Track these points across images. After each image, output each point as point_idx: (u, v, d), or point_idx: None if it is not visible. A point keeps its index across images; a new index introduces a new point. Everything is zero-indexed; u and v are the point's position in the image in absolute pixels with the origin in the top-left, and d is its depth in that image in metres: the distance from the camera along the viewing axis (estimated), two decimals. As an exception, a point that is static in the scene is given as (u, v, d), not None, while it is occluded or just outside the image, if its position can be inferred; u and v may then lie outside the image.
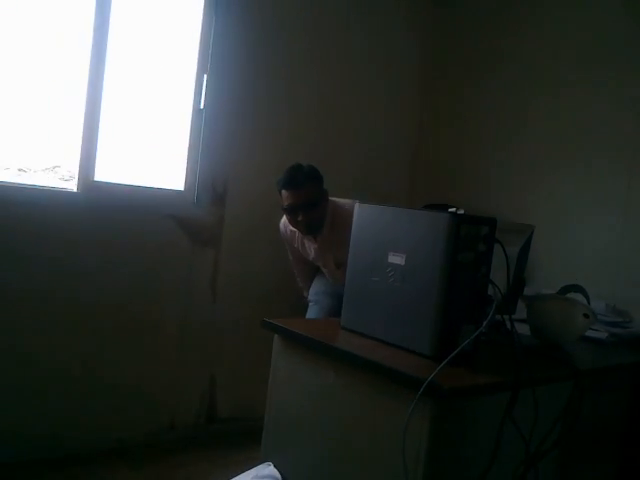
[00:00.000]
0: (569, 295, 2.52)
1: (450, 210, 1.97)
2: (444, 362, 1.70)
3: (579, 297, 2.53)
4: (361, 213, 2.12)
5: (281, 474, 1.25)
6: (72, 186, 2.91)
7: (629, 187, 3.09)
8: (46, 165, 2.93)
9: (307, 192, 2.75)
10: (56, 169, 2.95)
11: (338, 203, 2.95)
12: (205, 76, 3.17)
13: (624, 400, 2.51)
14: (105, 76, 2.90)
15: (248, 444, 3.04)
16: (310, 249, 3.06)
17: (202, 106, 3.18)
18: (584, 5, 3.31)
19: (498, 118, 3.66)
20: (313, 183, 2.80)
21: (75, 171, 2.91)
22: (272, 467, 1.26)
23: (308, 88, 3.56)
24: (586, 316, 2.26)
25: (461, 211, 2.05)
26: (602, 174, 3.19)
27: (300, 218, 2.77)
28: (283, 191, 2.80)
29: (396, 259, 1.95)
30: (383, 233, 2.02)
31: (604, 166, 3.18)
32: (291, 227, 3.01)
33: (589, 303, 2.53)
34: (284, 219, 3.06)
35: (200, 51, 3.17)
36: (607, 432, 2.45)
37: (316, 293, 3.19)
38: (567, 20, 3.38)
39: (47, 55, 2.83)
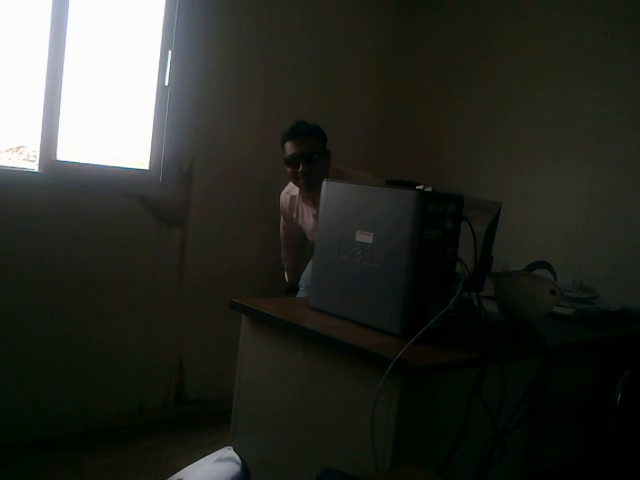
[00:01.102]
0: (536, 272, 2.54)
1: (417, 187, 1.96)
2: (412, 340, 1.69)
3: (546, 274, 2.55)
4: (329, 191, 2.09)
5: (241, 458, 1.24)
6: (35, 166, 2.83)
7: (595, 166, 3.12)
8: (10, 145, 2.85)
9: (309, 143, 2.79)
10: (20, 149, 2.87)
11: (342, 169, 2.94)
12: (170, 52, 3.09)
13: (590, 376, 2.54)
14: (66, 52, 2.81)
15: (217, 425, 3.03)
16: (309, 217, 3.02)
17: (167, 83, 3.10)
18: (558, 19, 3.32)
19: (471, 95, 3.66)
20: (315, 137, 2.84)
21: (39, 151, 2.83)
22: (232, 451, 1.25)
23: (277, 64, 3.50)
24: (553, 292, 2.28)
25: (428, 188, 2.04)
26: (570, 155, 3.22)
27: (300, 169, 2.77)
28: (287, 143, 2.83)
29: (364, 237, 1.94)
30: (351, 211, 2.00)
31: (572, 148, 3.21)
32: (293, 193, 3.03)
33: (556, 280, 2.55)
34: (286, 189, 3.09)
35: (164, 26, 3.08)
36: (574, 407, 2.48)
37: (309, 278, 3.12)
38: (544, 20, 3.38)
39: (6, 33, 2.73)
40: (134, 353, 3.16)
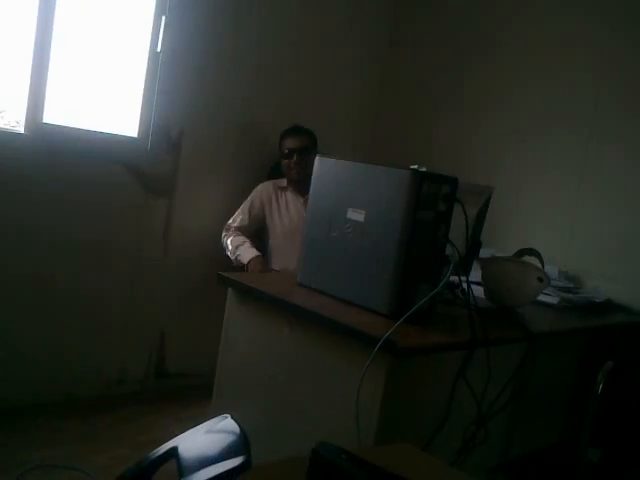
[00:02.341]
0: (524, 258, 2.53)
1: (412, 167, 1.94)
2: (400, 320, 1.68)
3: (534, 261, 2.55)
4: (321, 167, 2.07)
5: (240, 426, 1.23)
6: (19, 129, 2.76)
7: (586, 158, 3.11)
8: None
9: (304, 140, 3.22)
10: (1, 114, 2.80)
11: None
12: (163, 17, 3.01)
13: (573, 365, 2.56)
14: (56, 14, 2.72)
15: (198, 399, 3.00)
16: (295, 205, 3.22)
17: (159, 49, 3.03)
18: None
19: (462, 81, 3.63)
20: (310, 137, 3.26)
21: (22, 117, 2.75)
22: (229, 419, 1.22)
23: (272, 35, 3.43)
24: (540, 280, 2.28)
25: (423, 169, 2.02)
26: (561, 144, 3.20)
27: (295, 159, 3.18)
28: (286, 138, 3.24)
29: (355, 215, 1.92)
30: (343, 188, 1.98)
31: (563, 137, 3.20)
32: (281, 184, 3.26)
33: (543, 267, 2.55)
34: (271, 181, 3.31)
35: (158, -9, 3.02)
36: (555, 395, 2.50)
37: None
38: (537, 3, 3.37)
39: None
40: (116, 323, 3.12)
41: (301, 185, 3.16)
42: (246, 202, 3.25)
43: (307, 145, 3.20)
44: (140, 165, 3.07)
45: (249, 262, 3.08)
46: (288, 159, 3.21)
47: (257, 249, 3.16)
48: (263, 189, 3.28)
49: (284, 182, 3.28)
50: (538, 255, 2.57)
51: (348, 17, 3.77)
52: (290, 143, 3.21)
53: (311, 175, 3.00)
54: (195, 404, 2.99)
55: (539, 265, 2.52)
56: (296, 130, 3.24)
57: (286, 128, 3.25)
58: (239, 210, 3.25)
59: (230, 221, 3.24)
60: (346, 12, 3.75)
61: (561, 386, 2.53)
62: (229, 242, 3.19)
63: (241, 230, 3.22)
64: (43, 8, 2.69)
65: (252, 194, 3.27)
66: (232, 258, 3.16)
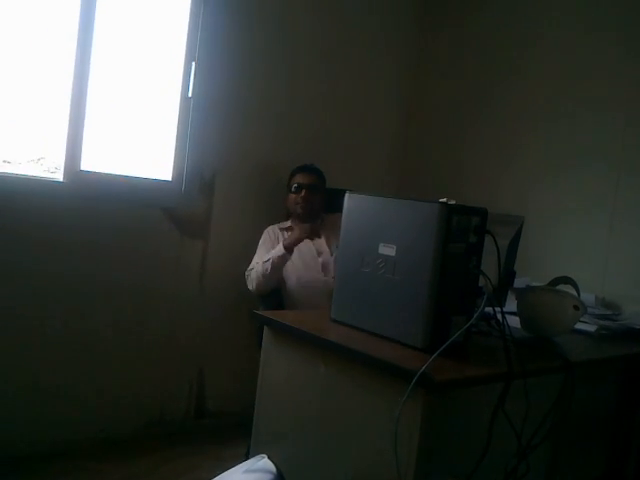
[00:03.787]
0: (559, 287, 2.51)
1: (441, 200, 1.95)
2: (436, 353, 1.68)
3: (569, 289, 2.52)
4: (351, 203, 2.09)
5: (277, 466, 1.23)
6: (58, 177, 2.86)
7: (618, 181, 3.09)
8: (31, 157, 2.87)
9: (314, 178, 3.26)
10: (41, 161, 2.90)
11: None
12: (193, 63, 3.12)
13: (614, 393, 2.51)
14: (92, 64, 2.85)
15: (237, 438, 3.00)
16: (305, 244, 3.09)
17: (190, 94, 3.13)
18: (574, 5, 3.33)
19: (492, 112, 3.65)
20: (320, 176, 3.30)
21: (61, 163, 2.85)
22: (266, 459, 1.22)
23: (300, 77, 3.52)
24: (576, 308, 2.25)
25: (452, 202, 2.03)
26: (592, 168, 3.19)
27: (303, 195, 3.20)
28: (296, 175, 3.26)
29: (387, 250, 1.93)
30: (373, 223, 2.00)
31: (595, 161, 3.18)
32: (284, 226, 3.21)
33: (579, 295, 2.52)
34: (271, 227, 3.24)
35: (188, 38, 3.12)
36: (597, 425, 2.45)
37: None
38: (553, 11, 3.40)
39: (32, 45, 2.76)
40: (155, 364, 3.16)
41: (304, 222, 3.16)
42: (260, 247, 3.16)
43: (316, 183, 3.25)
44: (175, 208, 3.14)
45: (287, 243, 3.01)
46: (296, 194, 3.22)
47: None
48: (270, 232, 3.21)
49: (287, 223, 3.26)
50: (573, 283, 2.55)
51: (375, 51, 3.87)
52: (300, 178, 3.23)
53: (316, 214, 3.22)
54: (236, 443, 2.98)
55: (575, 293, 2.50)
56: (307, 168, 3.28)
57: (299, 165, 3.27)
58: (255, 256, 3.14)
59: (249, 267, 3.11)
60: (375, 54, 3.85)
61: (603, 416, 2.48)
62: (255, 273, 3.06)
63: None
64: (79, 57, 2.82)
65: (263, 237, 3.19)
66: (269, 270, 3.00)
